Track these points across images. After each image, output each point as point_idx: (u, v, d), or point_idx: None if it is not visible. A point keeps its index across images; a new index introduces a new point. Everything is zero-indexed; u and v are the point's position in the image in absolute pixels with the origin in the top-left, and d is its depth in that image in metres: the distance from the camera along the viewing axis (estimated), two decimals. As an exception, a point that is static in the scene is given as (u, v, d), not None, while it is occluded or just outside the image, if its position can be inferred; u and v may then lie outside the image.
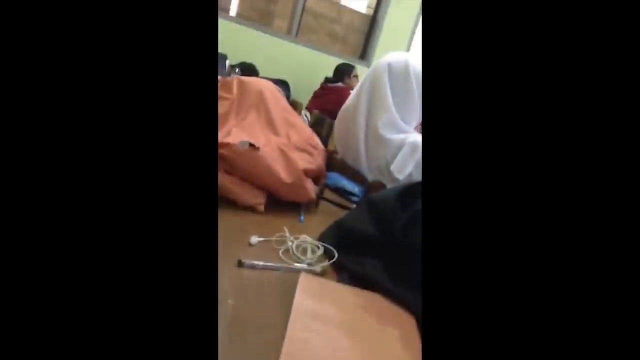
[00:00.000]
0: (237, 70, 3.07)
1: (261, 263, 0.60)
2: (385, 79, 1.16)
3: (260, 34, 3.85)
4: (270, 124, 0.99)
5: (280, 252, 0.67)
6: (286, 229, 0.74)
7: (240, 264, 0.59)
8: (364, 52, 4.48)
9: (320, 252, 0.70)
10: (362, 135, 1.19)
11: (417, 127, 1.22)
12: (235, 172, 0.82)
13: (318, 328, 0.47)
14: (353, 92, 1.26)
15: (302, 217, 0.87)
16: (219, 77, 1.16)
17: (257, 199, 0.83)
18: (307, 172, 0.90)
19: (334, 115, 1.38)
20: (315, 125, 2.91)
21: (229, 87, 1.01)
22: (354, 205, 1.01)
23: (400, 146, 1.12)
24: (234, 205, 0.81)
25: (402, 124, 1.15)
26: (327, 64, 3.88)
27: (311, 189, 0.91)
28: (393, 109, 1.15)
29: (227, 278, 0.55)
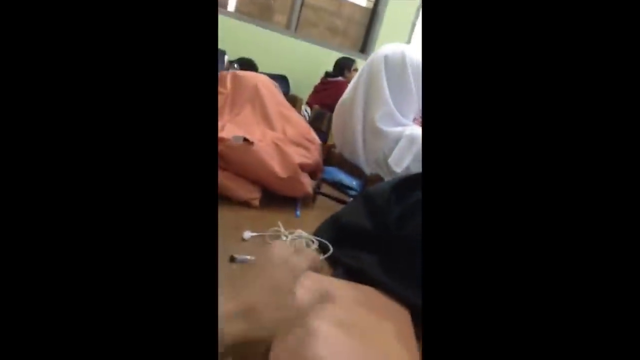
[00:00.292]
0: (235, 65, 3.05)
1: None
2: (382, 71, 1.14)
3: (259, 29, 3.83)
4: (265, 118, 0.98)
5: (274, 247, 0.66)
6: (280, 224, 0.73)
7: (232, 260, 0.59)
8: (365, 46, 4.45)
9: (314, 246, 0.69)
10: (359, 128, 1.18)
11: (417, 120, 1.21)
12: (230, 167, 0.81)
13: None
14: (350, 85, 1.25)
15: (298, 212, 0.87)
16: (216, 73, 1.15)
17: (252, 194, 0.82)
18: (303, 167, 0.89)
19: (334, 110, 1.37)
20: (316, 120, 2.89)
21: (223, 82, 1.00)
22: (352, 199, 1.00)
23: (397, 139, 1.11)
24: (229, 200, 0.80)
25: (399, 116, 1.14)
26: (327, 59, 3.86)
27: (307, 183, 0.90)
28: (390, 101, 1.13)
29: (219, 274, 0.55)
